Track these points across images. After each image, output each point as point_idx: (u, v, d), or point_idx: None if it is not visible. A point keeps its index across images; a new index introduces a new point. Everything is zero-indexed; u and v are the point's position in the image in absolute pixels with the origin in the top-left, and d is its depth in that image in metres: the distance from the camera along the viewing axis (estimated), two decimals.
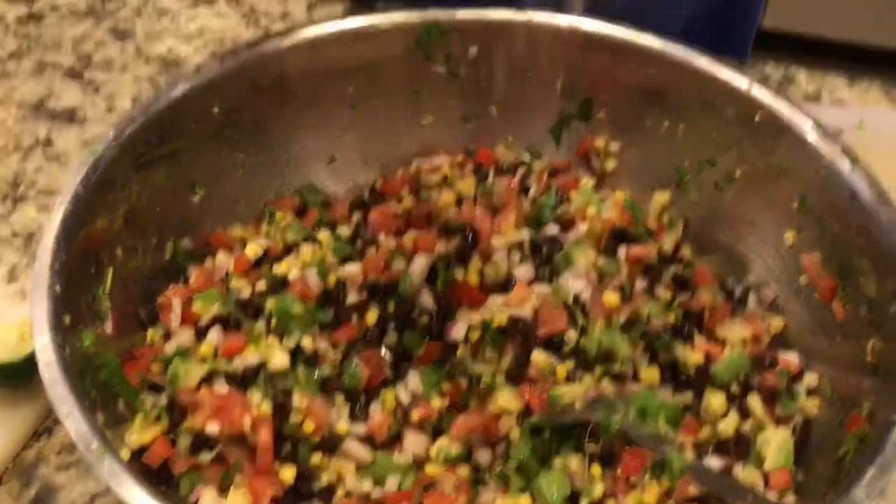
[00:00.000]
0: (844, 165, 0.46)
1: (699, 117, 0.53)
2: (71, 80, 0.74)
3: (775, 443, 0.45)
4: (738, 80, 0.50)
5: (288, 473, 0.45)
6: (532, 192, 0.58)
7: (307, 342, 0.48)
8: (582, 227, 0.55)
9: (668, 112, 0.54)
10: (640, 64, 0.53)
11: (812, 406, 0.47)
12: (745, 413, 0.47)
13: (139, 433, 0.44)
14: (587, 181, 0.58)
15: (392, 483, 0.46)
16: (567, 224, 0.56)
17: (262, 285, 0.51)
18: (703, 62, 0.51)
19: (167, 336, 0.49)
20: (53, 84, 0.74)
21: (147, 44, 0.78)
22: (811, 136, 0.48)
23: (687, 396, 0.48)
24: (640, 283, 0.52)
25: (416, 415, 0.47)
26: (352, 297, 0.50)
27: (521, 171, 0.59)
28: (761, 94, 0.50)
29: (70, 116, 0.71)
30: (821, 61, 0.88)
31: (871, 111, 0.74)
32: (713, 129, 0.52)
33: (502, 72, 0.58)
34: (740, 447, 0.46)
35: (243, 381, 0.47)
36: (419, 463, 0.46)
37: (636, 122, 0.57)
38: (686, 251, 0.55)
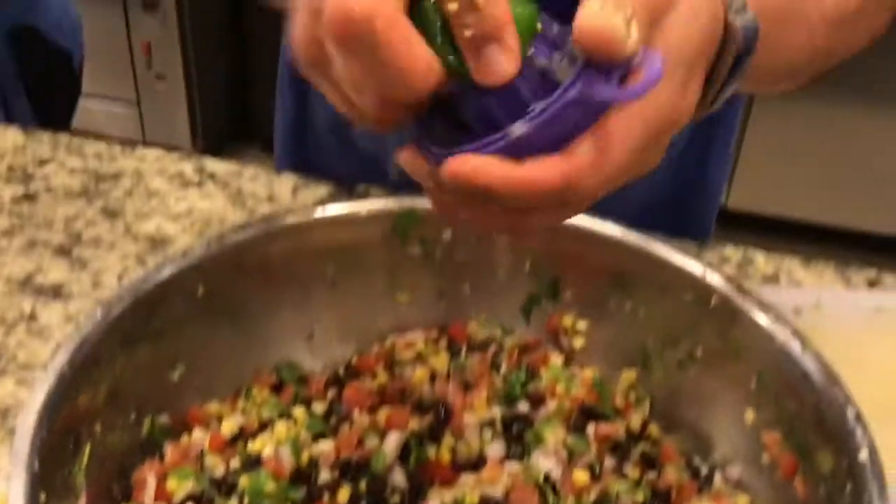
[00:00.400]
0: (795, 347, 0.49)
1: (659, 300, 0.56)
2: (60, 257, 0.77)
3: None
4: (692, 266, 0.54)
5: None
6: (503, 368, 0.60)
7: None
8: (552, 405, 0.56)
9: (630, 294, 0.57)
10: (602, 249, 0.56)
11: None
12: None
13: None
14: (556, 359, 0.60)
15: None
16: (537, 401, 0.57)
17: (236, 462, 0.52)
18: (660, 249, 0.55)
19: None
20: (42, 261, 0.76)
21: (136, 223, 0.81)
22: (763, 319, 0.51)
23: None
24: (608, 461, 0.54)
25: None
26: (324, 475, 0.51)
27: (492, 347, 0.62)
28: (714, 279, 0.53)
29: (56, 292, 0.74)
30: (778, 244, 0.93)
31: (827, 291, 0.77)
32: (673, 312, 0.55)
33: (475, 253, 0.61)
34: None
35: None
36: None
37: (601, 302, 0.60)
38: (653, 429, 0.57)
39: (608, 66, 0.33)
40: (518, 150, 0.34)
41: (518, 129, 0.34)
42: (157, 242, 0.79)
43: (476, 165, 0.33)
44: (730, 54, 0.42)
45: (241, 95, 2.49)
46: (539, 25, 0.35)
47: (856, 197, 2.19)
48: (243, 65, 2.43)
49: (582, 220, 0.57)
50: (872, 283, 0.78)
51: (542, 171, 0.34)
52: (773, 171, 2.21)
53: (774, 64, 0.49)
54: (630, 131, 0.34)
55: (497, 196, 0.34)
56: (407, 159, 0.37)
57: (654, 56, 0.33)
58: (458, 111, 0.36)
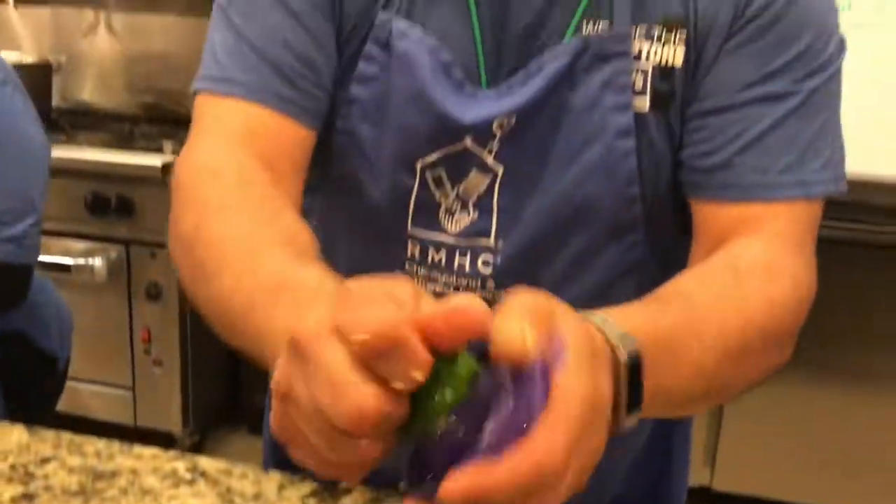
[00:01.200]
0: None
1: None
2: None
3: None
4: None
5: None
6: None
7: None
8: None
9: None
10: None
11: None
12: None
13: None
14: None
15: None
16: None
17: None
18: None
19: None
20: None
21: None
22: None
23: None
24: None
25: None
26: None
27: None
28: None
29: None
30: None
31: None
32: None
33: None
34: None
35: None
36: None
37: None
38: None
39: (530, 369, 0.44)
40: (490, 454, 0.42)
41: (486, 439, 0.43)
42: None
43: (467, 476, 0.41)
44: (622, 373, 0.51)
45: (233, 382, 2.57)
46: (476, 370, 0.45)
47: (835, 477, 2.21)
48: (236, 353, 2.54)
49: None
50: None
51: (519, 456, 0.41)
52: (753, 453, 2.25)
53: (669, 390, 0.58)
54: (568, 408, 0.43)
55: (497, 494, 0.40)
56: None
57: (556, 343, 0.45)
58: (423, 446, 0.44)
